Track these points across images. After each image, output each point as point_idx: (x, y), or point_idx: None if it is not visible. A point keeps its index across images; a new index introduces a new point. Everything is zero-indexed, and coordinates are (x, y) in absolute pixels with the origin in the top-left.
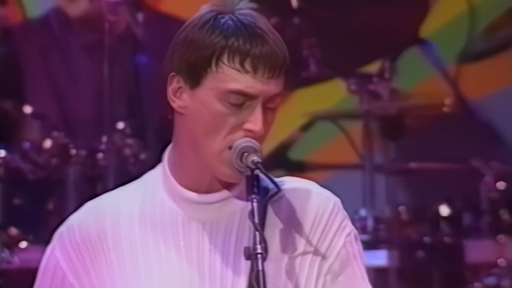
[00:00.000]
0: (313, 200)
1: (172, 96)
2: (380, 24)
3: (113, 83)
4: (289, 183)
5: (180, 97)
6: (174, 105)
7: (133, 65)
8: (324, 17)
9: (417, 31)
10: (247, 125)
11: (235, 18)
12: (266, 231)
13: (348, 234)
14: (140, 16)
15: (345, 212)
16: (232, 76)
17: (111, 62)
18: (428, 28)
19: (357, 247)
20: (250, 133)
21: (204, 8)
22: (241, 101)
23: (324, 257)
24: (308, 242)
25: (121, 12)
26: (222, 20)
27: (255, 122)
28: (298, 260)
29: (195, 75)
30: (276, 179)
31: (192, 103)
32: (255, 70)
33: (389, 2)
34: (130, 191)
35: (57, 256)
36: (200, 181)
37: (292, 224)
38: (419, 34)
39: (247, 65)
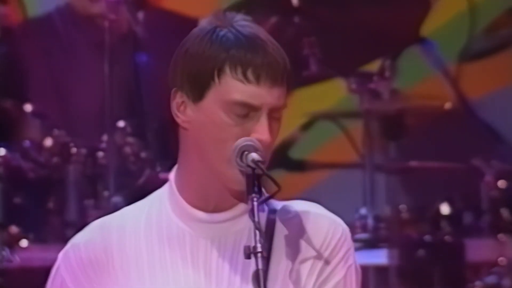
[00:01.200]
0: (324, 223)
1: (176, 112)
2: (380, 23)
3: (114, 81)
4: (300, 205)
5: (184, 112)
6: (179, 120)
7: (133, 63)
8: (324, 16)
9: (417, 30)
10: (254, 135)
11: (233, 30)
12: (274, 248)
13: (350, 266)
14: (140, 15)
15: (351, 242)
16: (235, 87)
17: (111, 61)
18: (429, 27)
19: (355, 281)
20: (261, 143)
21: (203, 22)
22: (246, 111)
23: (324, 282)
24: (314, 264)
25: (122, 11)
26: (221, 33)
27: (262, 132)
28: (302, 280)
29: (197, 89)
30: (285, 203)
31: (196, 116)
32: (257, 79)
33: (389, 1)
34: (135, 208)
35: (63, 275)
36: (208, 198)
37: (301, 244)
38: (419, 33)
39: (250, 75)
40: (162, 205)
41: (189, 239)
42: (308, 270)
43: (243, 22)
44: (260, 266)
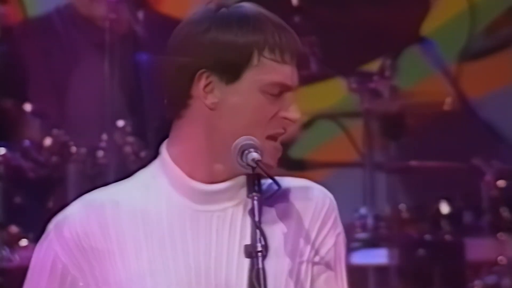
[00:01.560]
0: (312, 195)
1: (203, 93)
2: (380, 23)
3: (114, 81)
4: (286, 181)
5: (212, 93)
6: (206, 102)
7: (134, 63)
8: (324, 16)
9: (418, 29)
10: (284, 114)
11: (253, 9)
12: (265, 227)
13: (339, 234)
14: (140, 15)
15: (337, 210)
16: (273, 68)
17: (111, 61)
18: (429, 26)
19: (344, 249)
20: (287, 121)
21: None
22: (280, 91)
23: (316, 252)
24: (307, 236)
25: (122, 10)
26: (246, 13)
27: (293, 110)
28: (298, 255)
29: (233, 71)
30: (269, 180)
31: (227, 97)
32: (290, 60)
33: (389, 0)
34: (128, 188)
35: (55, 249)
36: (212, 172)
37: (292, 220)
38: (419, 32)
39: (286, 55)
40: (158, 180)
41: (189, 217)
42: (303, 241)
43: (247, 4)
44: (260, 265)
